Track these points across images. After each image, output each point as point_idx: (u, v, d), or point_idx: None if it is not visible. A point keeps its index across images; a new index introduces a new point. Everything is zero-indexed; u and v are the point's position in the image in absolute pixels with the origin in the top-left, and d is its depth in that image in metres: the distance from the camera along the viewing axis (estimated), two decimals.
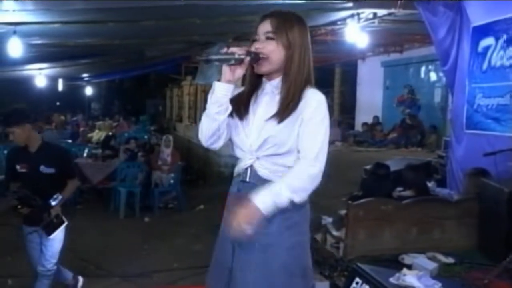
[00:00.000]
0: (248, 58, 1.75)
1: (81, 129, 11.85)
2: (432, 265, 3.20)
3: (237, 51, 1.75)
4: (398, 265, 3.39)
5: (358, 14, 6.47)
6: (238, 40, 9.05)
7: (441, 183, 5.42)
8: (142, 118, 19.45)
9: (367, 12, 6.39)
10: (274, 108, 1.79)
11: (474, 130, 4.99)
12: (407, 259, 3.41)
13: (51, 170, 3.30)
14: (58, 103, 21.79)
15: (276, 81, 1.82)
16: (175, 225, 6.74)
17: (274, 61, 1.78)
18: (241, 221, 1.71)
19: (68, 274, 3.84)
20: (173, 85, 18.31)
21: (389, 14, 6.29)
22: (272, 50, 1.77)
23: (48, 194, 3.26)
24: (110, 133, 10.78)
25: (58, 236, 3.39)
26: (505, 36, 4.60)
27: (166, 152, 8.08)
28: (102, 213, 7.33)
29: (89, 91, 20.81)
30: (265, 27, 1.79)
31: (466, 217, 3.81)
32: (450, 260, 3.42)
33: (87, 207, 7.68)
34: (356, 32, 6.67)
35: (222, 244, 1.91)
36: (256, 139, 1.80)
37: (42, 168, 3.29)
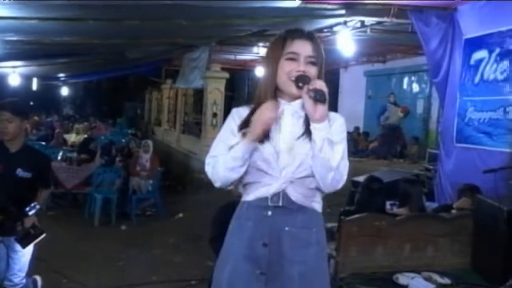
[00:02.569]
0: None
1: (56, 130, 11.45)
2: (430, 287, 3.05)
3: (271, 114, 1.71)
4: (392, 285, 3.25)
5: (345, 22, 6.38)
6: (222, 43, 8.90)
7: (429, 197, 5.34)
8: (119, 121, 19.06)
9: (355, 21, 6.30)
10: (300, 129, 1.75)
11: (464, 144, 4.90)
12: (402, 278, 3.26)
13: (27, 175, 3.03)
14: (32, 103, 21.18)
15: (298, 102, 1.77)
16: (153, 234, 6.49)
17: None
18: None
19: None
20: (152, 88, 18.00)
21: (377, 23, 6.23)
22: (315, 76, 1.75)
23: (19, 200, 2.98)
24: (87, 136, 10.45)
25: (28, 248, 3.12)
26: (498, 50, 4.53)
27: (145, 158, 7.82)
28: (76, 220, 7.03)
29: (65, 91, 20.29)
30: (306, 50, 1.76)
31: (460, 234, 3.68)
32: (446, 281, 3.28)
33: (60, 213, 7.35)
34: (346, 40, 6.58)
35: (245, 276, 1.74)
36: (292, 161, 1.73)
37: (19, 171, 3.00)
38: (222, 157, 1.76)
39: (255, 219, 1.76)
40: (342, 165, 1.73)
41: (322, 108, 1.69)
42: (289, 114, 1.78)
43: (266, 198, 1.74)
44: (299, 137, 1.73)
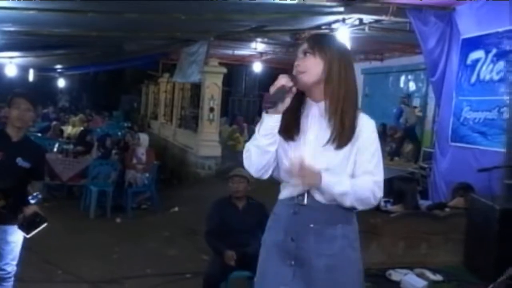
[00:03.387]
0: (292, 85, 1.76)
1: (53, 123, 11.41)
2: (422, 283, 3.10)
3: (285, 82, 1.76)
4: (385, 281, 3.29)
5: (344, 19, 6.39)
6: (220, 38, 8.89)
7: (423, 195, 5.38)
8: (115, 114, 19.00)
9: (354, 18, 6.31)
10: (326, 133, 1.78)
11: (459, 143, 4.95)
12: (395, 275, 3.31)
13: (26, 165, 3.05)
14: None
15: (323, 104, 1.82)
16: (148, 227, 6.50)
17: (314, 73, 1.79)
18: (304, 170, 1.74)
19: None
20: (149, 82, 17.96)
21: (376, 21, 6.24)
22: (310, 64, 1.79)
23: (16, 189, 3.01)
24: (83, 128, 10.43)
25: (19, 238, 3.15)
26: (495, 50, 4.57)
27: (141, 151, 7.81)
28: (72, 212, 7.01)
29: (61, 83, 20.15)
30: (303, 46, 1.83)
31: (453, 232, 3.74)
32: (438, 277, 3.33)
33: (55, 205, 7.32)
34: (344, 38, 6.58)
35: (273, 273, 1.87)
36: (313, 166, 1.77)
37: (19, 160, 3.02)
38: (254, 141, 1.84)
39: (285, 216, 1.86)
40: (381, 185, 1.79)
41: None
42: (316, 115, 1.83)
43: (293, 197, 1.84)
44: (324, 145, 1.77)
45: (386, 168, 5.37)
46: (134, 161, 7.66)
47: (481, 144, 4.65)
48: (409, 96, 10.60)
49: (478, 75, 4.76)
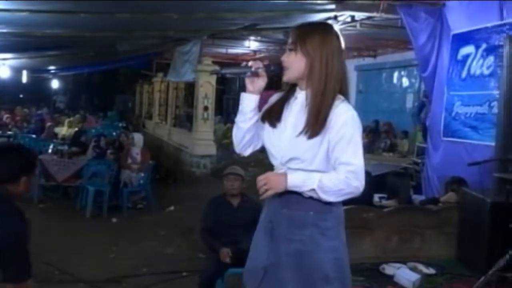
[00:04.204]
0: (262, 70, 1.87)
1: (48, 123, 11.39)
2: (415, 277, 3.12)
3: (253, 64, 1.88)
4: (378, 275, 3.33)
5: (336, 17, 6.42)
6: (213, 37, 8.90)
7: (416, 189, 5.43)
8: (110, 114, 18.96)
9: (346, 15, 6.34)
10: (302, 123, 1.84)
11: (451, 137, 4.99)
12: (388, 269, 3.33)
13: None
14: (21, 96, 21.01)
15: (305, 92, 1.88)
16: (145, 226, 6.53)
17: (294, 71, 1.86)
18: (268, 177, 1.83)
19: None
20: (143, 81, 17.93)
21: (368, 18, 6.27)
22: (292, 61, 1.86)
23: None
24: (78, 129, 10.42)
25: None
26: (485, 45, 4.61)
27: (136, 151, 7.83)
28: (67, 213, 7.03)
29: (55, 84, 20.14)
30: (289, 40, 1.89)
31: (446, 226, 3.77)
32: (431, 271, 3.36)
33: (51, 206, 7.36)
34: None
35: (257, 247, 1.98)
36: (286, 153, 1.87)
37: None
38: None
39: (269, 198, 1.94)
40: (362, 173, 1.82)
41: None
42: (299, 102, 1.89)
43: None
44: (298, 135, 1.83)
45: (380, 164, 5.40)
46: (129, 161, 7.68)
47: (473, 138, 4.69)
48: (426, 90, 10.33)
49: (469, 70, 4.80)
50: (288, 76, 1.89)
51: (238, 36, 8.72)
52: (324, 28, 1.93)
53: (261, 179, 1.84)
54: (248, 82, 1.90)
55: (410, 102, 11.13)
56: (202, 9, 5.84)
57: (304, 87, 1.88)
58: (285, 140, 1.87)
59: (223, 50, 10.96)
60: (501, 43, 4.18)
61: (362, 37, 8.24)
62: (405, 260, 3.54)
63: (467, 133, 4.79)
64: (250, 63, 1.89)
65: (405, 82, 11.49)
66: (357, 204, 3.71)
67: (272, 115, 1.93)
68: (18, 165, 2.26)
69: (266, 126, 1.94)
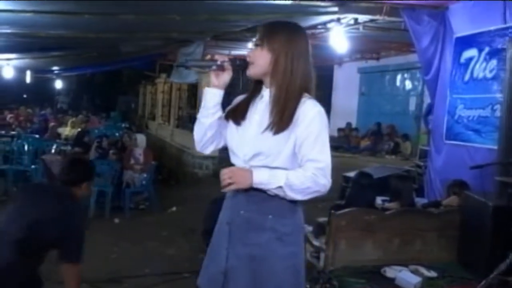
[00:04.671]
0: (228, 64, 1.86)
1: (51, 124, 11.43)
2: (416, 279, 3.13)
3: (219, 58, 1.88)
4: (380, 278, 3.33)
5: (339, 19, 6.42)
6: (216, 39, 8.91)
7: (419, 192, 5.42)
8: (113, 115, 19.01)
9: (349, 18, 6.35)
10: (267, 120, 1.82)
11: (454, 141, 4.98)
12: (390, 272, 3.34)
13: None
14: (25, 96, 21.08)
15: (271, 89, 1.87)
16: (147, 227, 6.54)
17: (260, 65, 1.85)
18: (233, 171, 1.80)
19: None
20: (146, 82, 17.98)
21: (371, 20, 6.27)
22: (257, 56, 1.85)
23: None
24: (81, 129, 10.44)
25: None
26: (488, 48, 4.61)
27: (138, 151, 7.85)
28: None
29: (58, 84, 20.15)
30: (256, 36, 1.89)
31: (447, 229, 3.77)
32: (433, 274, 3.36)
33: None
34: (340, 37, 6.63)
35: (216, 249, 1.93)
36: (250, 149, 1.83)
37: None
38: None
39: (228, 198, 1.94)
40: (329, 172, 1.78)
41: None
42: (265, 100, 1.88)
43: None
44: (263, 131, 1.80)
45: (382, 166, 5.40)
46: (132, 161, 7.70)
47: (475, 141, 4.69)
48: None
49: (472, 73, 4.80)
50: (253, 71, 1.86)
51: (241, 37, 8.72)
52: (292, 27, 1.90)
53: (226, 172, 1.79)
54: (213, 75, 1.88)
55: (413, 104, 11.12)
56: (205, 11, 5.86)
57: (269, 85, 1.87)
58: (249, 137, 1.84)
59: (226, 52, 10.95)
60: (504, 46, 4.18)
61: (365, 39, 8.24)
62: (406, 263, 3.55)
63: (469, 136, 4.78)
64: (216, 57, 1.89)
65: (408, 84, 11.48)
66: (359, 207, 3.74)
67: (237, 113, 1.90)
68: (82, 173, 2.92)
69: (230, 124, 1.91)
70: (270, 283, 1.80)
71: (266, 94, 1.88)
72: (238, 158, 1.88)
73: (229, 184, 1.78)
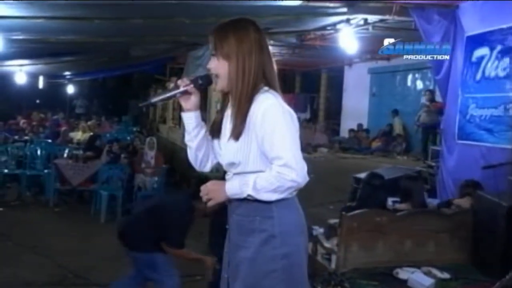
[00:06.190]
0: (191, 86, 1.82)
1: (63, 128, 11.53)
2: (429, 281, 3.09)
3: (181, 83, 1.84)
4: (392, 279, 3.29)
5: (348, 20, 6.39)
6: None
7: (431, 193, 5.37)
8: (124, 119, 19.13)
9: (358, 18, 6.32)
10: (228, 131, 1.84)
11: (466, 140, 4.93)
12: (402, 273, 3.30)
13: None
14: (38, 101, 21.29)
15: (231, 95, 1.85)
16: None
17: (223, 76, 1.80)
18: (207, 188, 1.84)
19: None
20: (157, 86, 18.04)
21: (380, 20, 6.24)
22: (217, 67, 1.81)
23: None
24: (92, 134, 10.52)
25: None
26: (500, 47, 4.55)
27: (150, 155, 7.89)
28: (82, 217, 7.10)
29: (70, 89, 20.34)
30: (211, 45, 1.83)
31: (460, 230, 3.72)
32: (446, 275, 3.31)
33: (66, 210, 7.44)
34: (349, 38, 6.60)
35: (224, 254, 1.98)
36: (224, 159, 1.87)
37: None
38: None
39: (229, 204, 1.93)
40: (294, 163, 1.71)
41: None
42: (229, 115, 1.86)
43: None
44: (228, 140, 1.81)
45: (393, 167, 5.33)
46: (143, 165, 7.73)
47: (488, 141, 4.63)
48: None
49: (484, 72, 4.74)
50: (221, 84, 1.82)
51: None
52: (238, 24, 1.82)
53: (203, 189, 1.85)
54: (182, 101, 1.86)
55: None
56: (213, 13, 5.87)
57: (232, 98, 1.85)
58: (223, 148, 1.87)
59: None
60: None
61: (375, 39, 8.18)
62: (419, 264, 3.51)
63: (482, 135, 4.73)
64: (178, 82, 1.85)
65: (419, 84, 11.39)
66: (370, 208, 3.70)
67: (213, 129, 1.92)
68: None
69: (215, 139, 1.94)
70: (259, 286, 1.79)
71: (230, 107, 1.89)
72: (224, 168, 1.92)
73: (208, 200, 1.84)
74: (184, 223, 3.71)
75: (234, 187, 1.79)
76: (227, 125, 1.85)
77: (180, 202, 3.77)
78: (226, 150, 1.83)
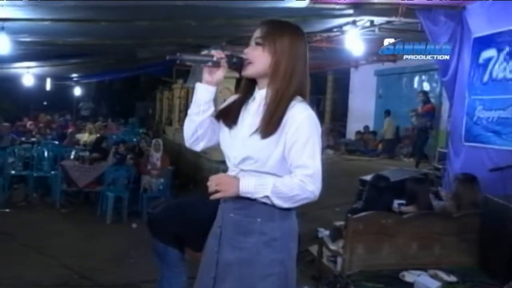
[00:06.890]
0: (224, 61, 1.77)
1: (69, 130, 11.59)
2: (436, 284, 3.07)
3: (215, 54, 1.78)
4: (398, 282, 3.27)
5: (354, 21, 6.38)
6: (232, 43, 8.93)
7: (438, 196, 5.33)
8: (131, 121, 19.20)
9: (365, 20, 6.30)
10: (257, 123, 1.77)
11: (473, 143, 4.90)
12: (408, 276, 3.28)
13: None
14: (45, 103, 21.42)
15: (265, 91, 1.81)
16: None
17: (259, 67, 1.78)
18: (220, 179, 1.76)
19: None
20: (163, 88, 18.09)
21: (387, 22, 6.22)
22: (258, 56, 1.78)
23: None
24: (99, 135, 10.57)
25: None
26: (508, 48, 4.52)
27: (156, 156, 7.90)
28: (88, 218, 7.12)
29: (77, 91, 20.46)
30: (257, 33, 1.81)
31: (466, 233, 3.69)
32: (452, 278, 3.29)
33: (72, 211, 7.47)
34: (355, 40, 6.59)
35: (209, 253, 1.91)
36: (239, 153, 1.80)
37: None
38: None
39: (221, 202, 1.88)
40: (318, 176, 1.73)
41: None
42: (257, 102, 1.82)
43: None
44: (251, 134, 1.76)
45: (399, 170, 5.31)
46: (149, 167, 7.75)
47: (495, 143, 4.60)
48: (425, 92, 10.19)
49: (491, 73, 4.71)
50: (250, 71, 1.80)
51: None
52: (295, 31, 1.84)
53: (214, 179, 1.75)
54: (206, 71, 1.80)
55: None
56: (220, 15, 5.88)
57: (264, 86, 1.80)
58: (239, 140, 1.79)
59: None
60: None
61: (381, 41, 8.15)
62: (425, 267, 3.48)
63: (489, 138, 4.69)
64: (212, 52, 1.80)
65: (426, 86, 11.35)
66: (376, 210, 3.68)
67: (228, 116, 1.86)
68: None
69: (222, 126, 1.87)
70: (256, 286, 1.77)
71: (258, 96, 1.83)
72: (229, 161, 1.85)
73: (216, 191, 1.74)
74: (207, 228, 3.66)
75: (249, 185, 1.72)
76: (247, 118, 1.81)
77: (211, 207, 3.74)
78: (244, 144, 1.76)
